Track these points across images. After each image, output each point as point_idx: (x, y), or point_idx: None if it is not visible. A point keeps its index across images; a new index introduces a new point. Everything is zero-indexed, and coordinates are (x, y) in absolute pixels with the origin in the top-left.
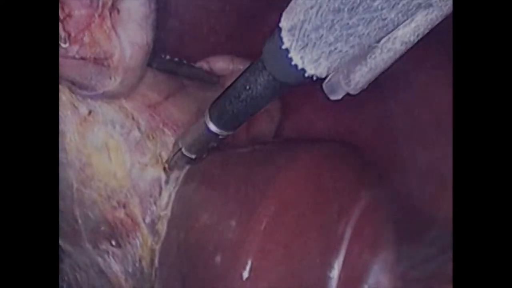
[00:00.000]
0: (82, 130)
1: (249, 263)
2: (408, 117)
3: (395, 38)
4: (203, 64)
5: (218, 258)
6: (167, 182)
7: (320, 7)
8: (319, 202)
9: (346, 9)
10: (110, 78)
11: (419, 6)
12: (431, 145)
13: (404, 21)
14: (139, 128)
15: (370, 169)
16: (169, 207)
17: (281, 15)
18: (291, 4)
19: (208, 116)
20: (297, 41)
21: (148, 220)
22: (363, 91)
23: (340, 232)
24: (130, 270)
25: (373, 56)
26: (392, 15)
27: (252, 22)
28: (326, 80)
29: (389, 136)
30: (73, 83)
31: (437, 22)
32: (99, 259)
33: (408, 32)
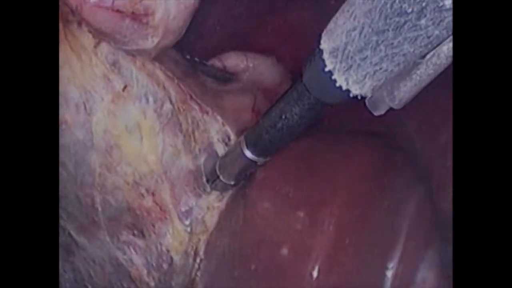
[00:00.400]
0: (114, 108)
1: (320, 257)
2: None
3: (439, 54)
4: (216, 62)
5: (284, 250)
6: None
7: (363, 28)
8: (378, 198)
9: (390, 29)
10: (147, 38)
11: None
12: None
13: (449, 36)
14: (170, 100)
15: (418, 166)
16: (224, 200)
17: (320, 36)
18: (331, 25)
19: (244, 145)
20: (340, 63)
21: (183, 208)
22: None
23: (397, 229)
24: (154, 263)
25: (418, 72)
26: (437, 32)
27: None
28: (369, 97)
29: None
30: (104, 36)
31: None
32: (118, 252)
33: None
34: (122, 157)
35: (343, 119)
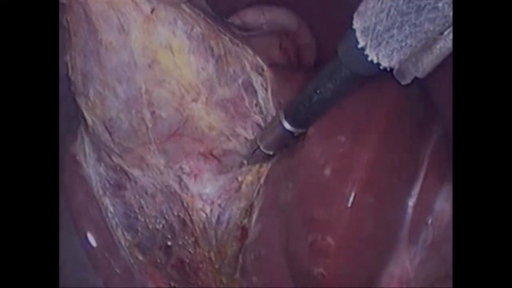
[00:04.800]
0: (147, 27)
1: (358, 177)
2: None
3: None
4: (235, 19)
5: (327, 171)
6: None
7: (390, 11)
8: (407, 131)
9: (413, 11)
10: None
11: None
12: None
13: None
14: (199, 26)
15: (435, 108)
16: None
17: (352, 18)
18: (361, 8)
19: (283, 117)
20: (371, 40)
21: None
22: None
23: (420, 161)
24: (220, 190)
25: (437, 46)
26: (452, 12)
27: None
28: (397, 68)
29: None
30: None
31: None
32: (172, 181)
33: None
34: (164, 71)
35: None
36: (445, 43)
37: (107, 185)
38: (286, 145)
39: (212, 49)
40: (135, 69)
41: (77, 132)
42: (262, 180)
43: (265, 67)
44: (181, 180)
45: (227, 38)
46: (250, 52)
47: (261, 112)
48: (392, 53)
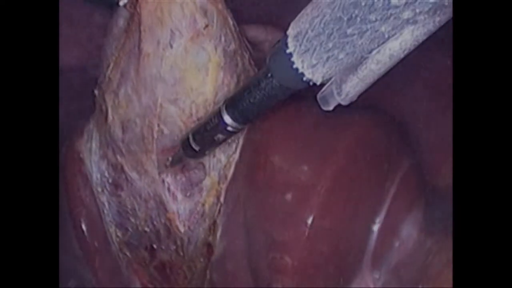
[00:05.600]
0: (189, 45)
1: (317, 203)
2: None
3: (384, 51)
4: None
5: (289, 196)
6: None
7: (324, 16)
8: (371, 162)
9: (345, 18)
10: None
11: (407, 21)
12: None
13: (394, 35)
14: (234, 40)
15: (406, 137)
16: (238, 151)
17: (289, 25)
18: (300, 14)
19: (224, 110)
20: (300, 46)
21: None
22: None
23: (386, 189)
24: (188, 211)
25: (363, 67)
26: (383, 28)
27: None
28: (320, 92)
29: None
30: None
31: (422, 39)
32: (163, 191)
33: (395, 46)
34: (184, 90)
35: None
36: (371, 65)
37: (106, 184)
38: (215, 142)
39: (237, 66)
40: (158, 82)
41: (84, 131)
42: (222, 199)
43: None
44: (167, 194)
45: (247, 56)
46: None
47: None
48: (317, 63)
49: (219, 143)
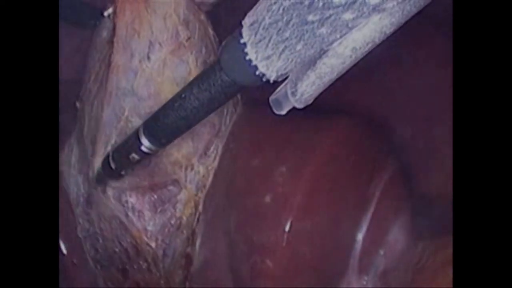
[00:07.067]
0: (169, 58)
1: (295, 205)
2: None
3: (346, 43)
4: None
5: (268, 198)
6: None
7: (283, 2)
8: (352, 164)
9: (307, 2)
10: None
11: (373, 9)
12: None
13: (358, 24)
14: (215, 53)
15: (392, 142)
16: (217, 160)
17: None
18: (256, 4)
19: (142, 132)
20: (255, 35)
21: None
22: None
23: (371, 192)
24: (160, 227)
25: (322, 62)
26: (347, 16)
27: None
28: (274, 94)
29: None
30: None
31: (389, 32)
32: (120, 214)
33: (359, 38)
34: (158, 105)
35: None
36: (330, 59)
37: (81, 199)
38: (130, 162)
39: None
40: (127, 96)
41: (65, 144)
42: (200, 208)
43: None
44: (127, 214)
45: None
46: None
47: None
48: (273, 54)
49: (134, 163)
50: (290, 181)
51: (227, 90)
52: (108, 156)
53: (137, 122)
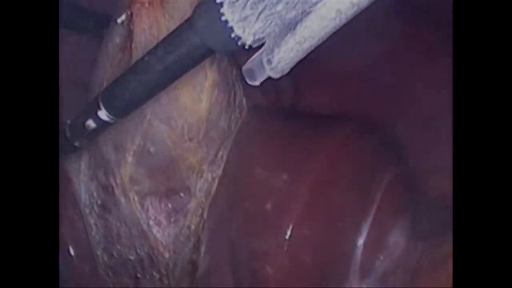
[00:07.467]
0: None
1: (296, 211)
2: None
3: (330, 5)
4: None
5: (269, 205)
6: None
7: None
8: (352, 171)
9: None
10: None
11: None
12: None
13: None
14: (227, 59)
15: (391, 146)
16: (221, 167)
17: None
18: None
19: (101, 103)
20: None
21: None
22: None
23: (371, 196)
24: (173, 237)
25: (304, 25)
26: None
27: None
28: (247, 63)
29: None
30: None
31: None
32: (142, 220)
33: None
34: (176, 108)
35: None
36: (312, 22)
37: (95, 205)
38: (85, 133)
39: (228, 82)
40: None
41: None
42: (205, 215)
43: (244, 109)
44: (148, 223)
45: (234, 71)
46: (241, 91)
47: None
48: (251, 14)
49: (89, 132)
50: (290, 189)
51: (194, 53)
52: (65, 135)
53: (159, 126)
